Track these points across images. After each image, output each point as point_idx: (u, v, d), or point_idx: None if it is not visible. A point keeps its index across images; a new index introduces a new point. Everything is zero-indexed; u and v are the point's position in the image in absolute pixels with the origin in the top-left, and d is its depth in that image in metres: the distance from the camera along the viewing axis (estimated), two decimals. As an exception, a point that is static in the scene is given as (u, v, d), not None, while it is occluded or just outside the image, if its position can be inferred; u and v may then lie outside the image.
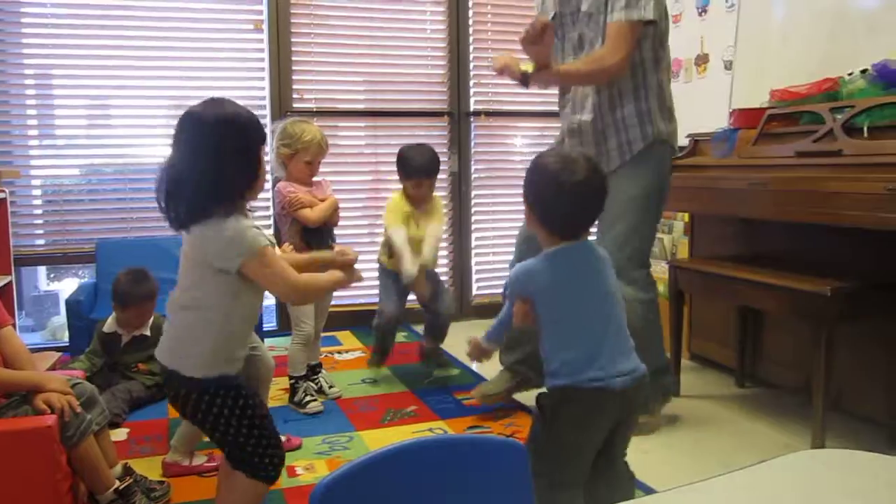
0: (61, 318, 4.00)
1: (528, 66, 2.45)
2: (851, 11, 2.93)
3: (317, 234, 2.91)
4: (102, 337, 2.98)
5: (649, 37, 2.53)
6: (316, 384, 3.08)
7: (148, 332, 2.97)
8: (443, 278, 4.51)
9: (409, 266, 3.09)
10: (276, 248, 1.76)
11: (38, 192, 3.98)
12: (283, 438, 2.52)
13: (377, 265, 3.43)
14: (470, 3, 4.55)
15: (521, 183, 1.78)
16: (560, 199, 1.68)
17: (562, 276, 1.69)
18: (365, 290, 4.22)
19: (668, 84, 2.67)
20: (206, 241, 1.62)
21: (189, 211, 1.62)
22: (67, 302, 3.36)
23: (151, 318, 3.00)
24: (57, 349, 3.43)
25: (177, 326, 1.72)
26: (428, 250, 3.18)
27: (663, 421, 2.80)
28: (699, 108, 3.65)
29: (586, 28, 2.58)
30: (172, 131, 1.65)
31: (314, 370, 3.12)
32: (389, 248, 3.27)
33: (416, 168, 3.19)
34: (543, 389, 1.76)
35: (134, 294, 2.92)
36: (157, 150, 4.10)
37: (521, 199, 1.79)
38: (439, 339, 3.47)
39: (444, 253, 4.59)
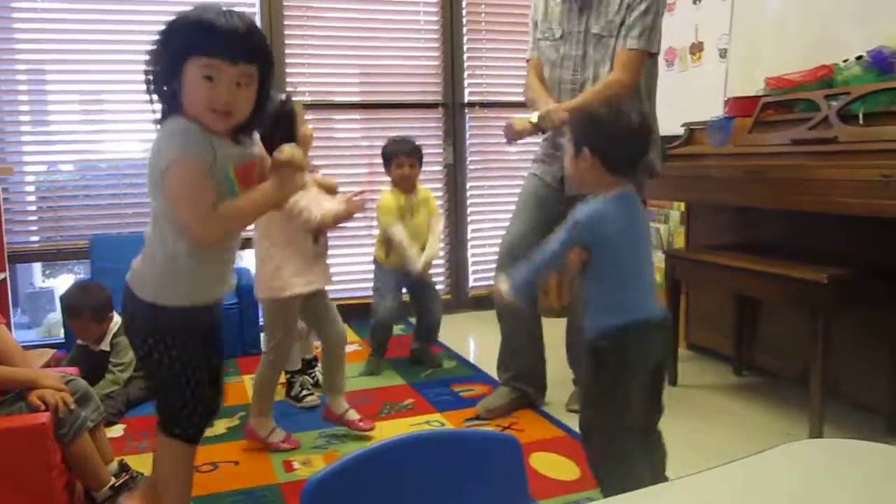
0: (57, 315, 3.99)
1: (533, 117, 2.61)
2: (846, -2, 2.91)
3: None
4: (77, 348, 2.97)
5: (647, 66, 2.65)
6: (312, 378, 3.07)
7: (108, 349, 2.91)
8: (439, 270, 4.53)
9: (416, 263, 3.28)
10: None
11: (31, 188, 3.96)
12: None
13: (372, 262, 3.47)
14: (463, -6, 4.52)
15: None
16: (621, 139, 1.82)
17: (630, 220, 1.81)
18: (360, 283, 4.21)
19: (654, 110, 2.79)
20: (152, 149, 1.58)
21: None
22: (61, 299, 3.35)
23: (109, 335, 2.92)
24: (52, 346, 3.41)
25: (143, 251, 1.65)
26: (431, 248, 3.37)
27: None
28: (694, 96, 3.64)
29: (592, 49, 2.64)
30: None
31: (310, 364, 3.10)
32: (387, 246, 3.35)
33: (396, 149, 3.34)
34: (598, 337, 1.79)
35: (74, 306, 2.91)
36: (150, 145, 4.08)
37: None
38: (430, 338, 3.53)
39: (440, 245, 4.57)
